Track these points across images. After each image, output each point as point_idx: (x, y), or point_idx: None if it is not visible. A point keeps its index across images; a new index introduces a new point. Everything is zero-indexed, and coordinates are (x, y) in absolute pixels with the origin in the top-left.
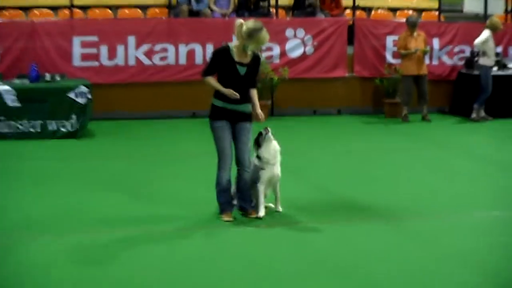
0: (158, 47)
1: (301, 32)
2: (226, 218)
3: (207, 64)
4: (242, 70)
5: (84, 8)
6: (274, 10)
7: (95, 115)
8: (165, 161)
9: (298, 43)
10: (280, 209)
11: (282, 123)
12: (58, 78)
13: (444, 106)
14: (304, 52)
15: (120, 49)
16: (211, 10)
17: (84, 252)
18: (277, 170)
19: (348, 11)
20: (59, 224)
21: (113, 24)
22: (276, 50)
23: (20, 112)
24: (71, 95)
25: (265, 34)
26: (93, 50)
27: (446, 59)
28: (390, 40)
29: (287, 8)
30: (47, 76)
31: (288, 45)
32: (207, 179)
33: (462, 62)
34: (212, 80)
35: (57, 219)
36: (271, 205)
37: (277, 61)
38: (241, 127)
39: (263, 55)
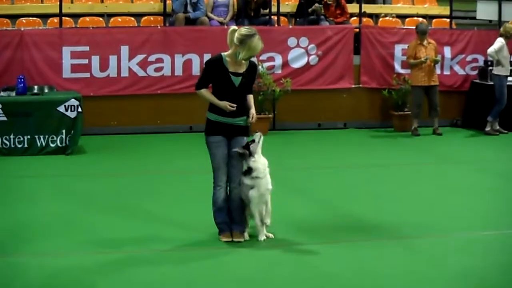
0: (152, 57)
1: (304, 41)
2: (225, 239)
3: (200, 76)
4: (237, 81)
5: (74, 16)
6: (276, 18)
7: (86, 129)
8: (160, 179)
9: (301, 53)
10: (268, 222)
11: (284, 137)
12: (46, 91)
13: (456, 119)
14: (308, 62)
15: (112, 59)
16: (209, 18)
17: (70, 275)
18: (267, 184)
19: (354, 19)
20: (44, 244)
21: (105, 34)
22: (278, 60)
23: (6, 126)
24: (61, 108)
25: (257, 41)
26: (84, 61)
27: (458, 69)
28: (398, 49)
29: (289, 16)
30: (35, 88)
31: (291, 55)
32: (205, 198)
33: (475, 72)
34: (206, 93)
35: (42, 239)
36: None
37: (279, 71)
38: (236, 142)
39: (264, 65)
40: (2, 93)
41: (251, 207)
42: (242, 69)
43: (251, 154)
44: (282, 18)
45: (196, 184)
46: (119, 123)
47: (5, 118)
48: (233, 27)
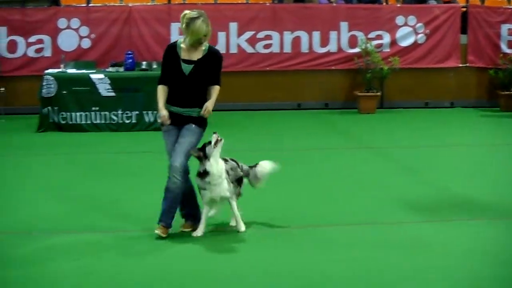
0: (261, 34)
1: (412, 20)
2: (182, 229)
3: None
4: (187, 69)
5: None
6: None
7: None
8: (268, 157)
9: (409, 31)
10: (242, 229)
11: (392, 115)
12: (155, 66)
13: None
14: (416, 40)
15: (221, 36)
16: None
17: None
18: (222, 191)
19: None
20: (152, 220)
21: (214, 10)
22: (386, 38)
23: (115, 102)
24: None
25: (200, 24)
26: None
27: None
28: (505, 28)
29: None
30: (143, 64)
31: (399, 33)
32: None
33: None
34: (159, 91)
35: (146, 214)
36: (233, 224)
37: (387, 50)
38: (184, 128)
39: (372, 43)
40: (111, 69)
41: (203, 202)
42: (196, 57)
43: (206, 157)
44: None
45: (298, 160)
46: (227, 99)
47: (113, 94)
48: (186, 11)
